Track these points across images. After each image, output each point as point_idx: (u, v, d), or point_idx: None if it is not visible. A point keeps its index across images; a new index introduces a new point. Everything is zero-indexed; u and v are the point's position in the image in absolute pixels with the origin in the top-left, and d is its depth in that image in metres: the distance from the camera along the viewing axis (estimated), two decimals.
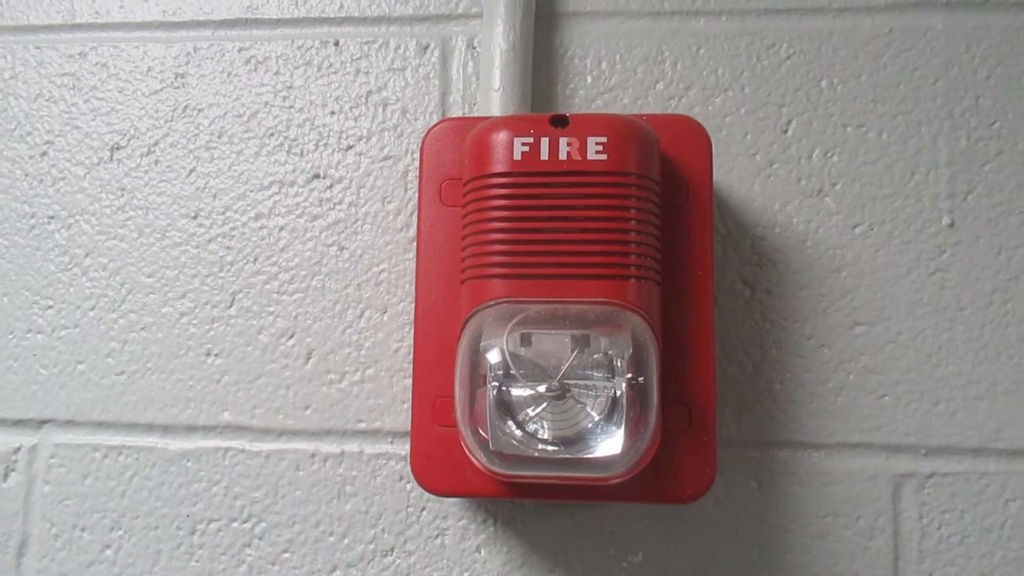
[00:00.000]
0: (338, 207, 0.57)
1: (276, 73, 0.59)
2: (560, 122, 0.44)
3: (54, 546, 0.56)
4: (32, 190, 0.60)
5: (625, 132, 0.43)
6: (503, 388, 0.41)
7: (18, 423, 0.57)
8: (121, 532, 0.55)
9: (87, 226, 0.59)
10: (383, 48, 0.59)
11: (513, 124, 0.44)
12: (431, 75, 0.58)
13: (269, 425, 0.56)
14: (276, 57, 0.60)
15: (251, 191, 0.58)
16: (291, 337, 0.56)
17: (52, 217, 0.59)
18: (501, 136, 0.44)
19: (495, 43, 0.54)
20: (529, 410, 0.41)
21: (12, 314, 0.58)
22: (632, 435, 0.41)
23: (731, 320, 0.54)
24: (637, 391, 0.42)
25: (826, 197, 0.55)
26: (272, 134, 0.59)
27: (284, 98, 0.59)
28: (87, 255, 0.58)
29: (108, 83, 0.61)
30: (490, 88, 0.54)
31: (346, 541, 0.54)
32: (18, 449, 0.57)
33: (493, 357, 0.41)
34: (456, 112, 0.58)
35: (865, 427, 0.53)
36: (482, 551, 0.53)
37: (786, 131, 0.56)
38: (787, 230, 0.55)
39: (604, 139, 0.43)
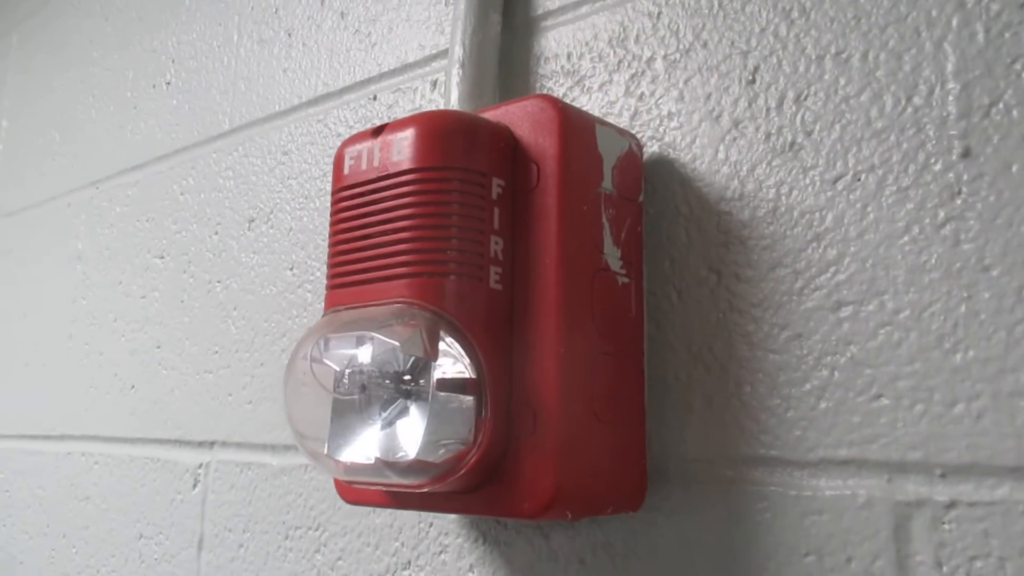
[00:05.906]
0: None
1: None
2: (379, 131, 0.44)
3: (228, 545, 0.70)
4: (210, 262, 0.77)
5: (428, 127, 0.42)
6: (332, 396, 0.42)
7: (200, 444, 0.73)
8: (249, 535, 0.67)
9: (236, 286, 0.74)
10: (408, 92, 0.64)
11: (351, 139, 0.45)
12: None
13: None
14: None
15: None
16: None
17: (217, 282, 0.75)
18: (339, 152, 0.45)
19: (453, 59, 0.55)
20: (338, 416, 0.42)
21: (196, 358, 0.75)
22: (433, 441, 0.39)
23: (696, 314, 0.46)
24: (448, 392, 0.40)
25: (800, 150, 0.44)
26: None
27: None
28: (235, 308, 0.73)
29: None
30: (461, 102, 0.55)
31: (377, 552, 0.58)
32: (201, 465, 0.73)
33: (303, 367, 0.42)
34: None
35: (856, 439, 0.40)
36: (475, 571, 0.53)
37: (753, 80, 0.46)
38: (756, 199, 0.45)
39: (407, 138, 0.42)
